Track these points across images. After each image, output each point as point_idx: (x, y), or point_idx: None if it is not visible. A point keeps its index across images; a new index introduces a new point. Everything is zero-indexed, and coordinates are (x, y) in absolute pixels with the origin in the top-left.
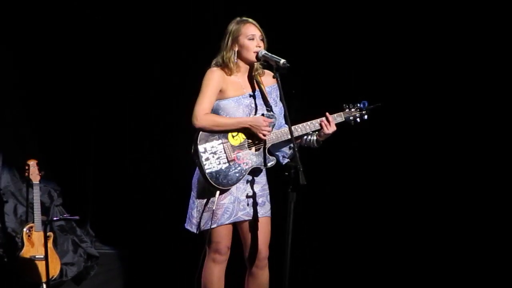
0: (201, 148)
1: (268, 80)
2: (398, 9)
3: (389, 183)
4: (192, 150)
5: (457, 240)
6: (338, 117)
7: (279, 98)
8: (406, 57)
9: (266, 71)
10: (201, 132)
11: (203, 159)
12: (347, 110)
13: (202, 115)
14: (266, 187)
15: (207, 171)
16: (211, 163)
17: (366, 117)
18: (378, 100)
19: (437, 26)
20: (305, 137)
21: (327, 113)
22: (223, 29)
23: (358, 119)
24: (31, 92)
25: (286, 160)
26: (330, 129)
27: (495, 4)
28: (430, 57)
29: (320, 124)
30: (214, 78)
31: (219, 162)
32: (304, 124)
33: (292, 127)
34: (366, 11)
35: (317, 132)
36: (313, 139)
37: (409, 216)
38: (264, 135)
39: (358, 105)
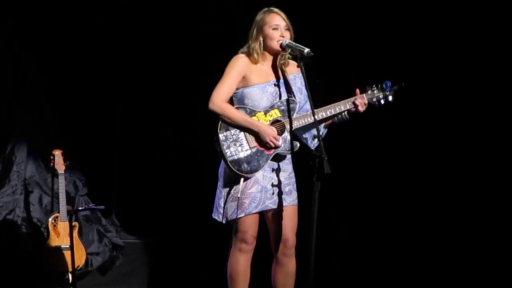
0: (222, 136)
1: (292, 69)
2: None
3: (408, 181)
4: (214, 138)
5: (473, 239)
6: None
7: (304, 86)
8: (411, 57)
9: (290, 61)
10: (220, 120)
11: (224, 147)
12: (369, 91)
13: (218, 100)
14: (293, 175)
15: (229, 159)
16: (232, 151)
17: (390, 98)
18: (401, 79)
19: (449, 24)
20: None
21: (357, 90)
22: (249, 19)
23: (382, 101)
24: (56, 82)
25: (315, 143)
26: (364, 107)
27: (496, 4)
28: (433, 57)
29: (354, 103)
30: (238, 64)
31: (241, 149)
32: (335, 104)
33: (306, 116)
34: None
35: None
36: (344, 114)
37: (424, 214)
38: (270, 146)
39: (381, 85)
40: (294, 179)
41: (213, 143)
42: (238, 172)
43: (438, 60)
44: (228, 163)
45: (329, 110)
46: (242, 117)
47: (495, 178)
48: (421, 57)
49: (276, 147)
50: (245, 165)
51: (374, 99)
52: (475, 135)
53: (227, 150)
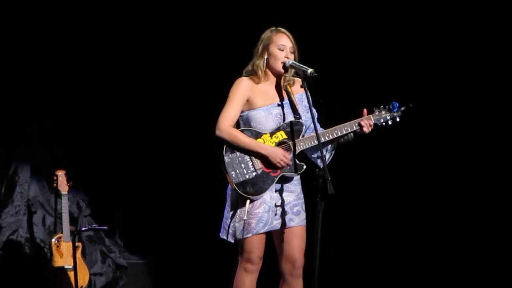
0: (227, 159)
1: (298, 88)
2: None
3: (411, 188)
4: (220, 161)
5: (468, 241)
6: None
7: (310, 105)
8: (415, 63)
9: (296, 79)
10: (225, 144)
11: (229, 169)
12: (377, 112)
13: (225, 126)
14: (301, 195)
15: (235, 181)
16: (238, 173)
17: (398, 119)
18: (408, 100)
19: (449, 29)
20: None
21: (364, 110)
22: (254, 37)
23: (389, 122)
24: (60, 102)
25: (326, 160)
26: (370, 128)
27: (498, 5)
28: (435, 61)
29: (359, 124)
30: (241, 88)
31: (247, 171)
32: (341, 126)
33: (329, 130)
34: (387, 17)
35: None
36: (350, 135)
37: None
38: (281, 165)
39: (388, 107)
40: (303, 200)
41: (218, 165)
42: (243, 194)
43: (443, 64)
44: (234, 185)
45: (336, 131)
46: (251, 142)
47: (494, 180)
48: (425, 73)
49: (287, 165)
50: (251, 187)
51: (382, 120)
52: (473, 137)
53: (232, 173)
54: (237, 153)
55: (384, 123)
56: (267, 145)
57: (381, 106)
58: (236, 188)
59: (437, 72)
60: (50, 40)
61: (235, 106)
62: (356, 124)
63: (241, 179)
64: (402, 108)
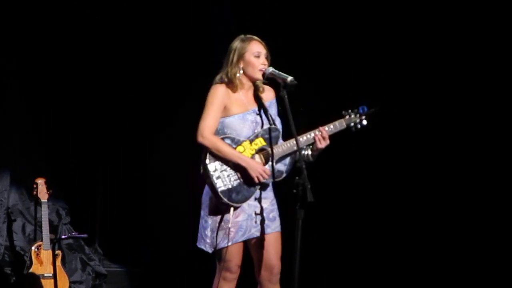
0: (211, 167)
1: (268, 95)
2: (396, 11)
3: (395, 188)
4: (202, 170)
5: (465, 242)
6: (340, 124)
7: (277, 113)
8: (404, 60)
9: (265, 86)
10: (208, 152)
11: (214, 178)
12: (347, 116)
13: (207, 133)
14: (275, 201)
15: (219, 189)
16: (222, 181)
17: (365, 122)
18: (376, 102)
19: (436, 27)
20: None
21: (320, 128)
22: (225, 43)
23: (358, 125)
24: (39, 110)
25: (279, 178)
26: (324, 143)
27: (495, 4)
28: (429, 59)
29: (314, 139)
30: (219, 94)
31: (230, 179)
32: (288, 142)
33: (288, 142)
34: (362, 13)
35: (311, 146)
36: (308, 154)
37: (416, 222)
38: (258, 180)
39: (357, 110)
40: (276, 206)
41: (200, 173)
42: (229, 202)
43: (436, 62)
44: (219, 193)
45: (292, 142)
46: (232, 152)
47: (488, 180)
48: (416, 60)
49: (265, 179)
50: (235, 195)
51: (352, 124)
52: (472, 137)
53: (217, 181)
54: (220, 160)
55: (354, 127)
56: (248, 158)
57: (350, 110)
58: (221, 196)
59: (429, 72)
60: (30, 46)
61: (215, 112)
62: (311, 137)
63: (226, 187)
64: (371, 110)
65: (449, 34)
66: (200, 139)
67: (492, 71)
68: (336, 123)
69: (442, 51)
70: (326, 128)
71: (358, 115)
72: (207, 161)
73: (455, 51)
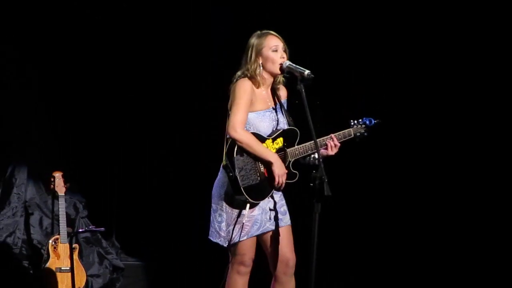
0: (237, 162)
1: (283, 94)
2: (398, 12)
3: (406, 189)
4: (226, 163)
5: (466, 242)
6: (348, 134)
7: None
8: (405, 61)
9: (280, 86)
10: (237, 146)
11: (238, 172)
12: (355, 126)
13: (240, 128)
14: (282, 196)
15: (242, 185)
16: (246, 178)
17: (366, 134)
18: (379, 114)
19: (438, 29)
20: (308, 157)
21: (332, 135)
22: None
23: (363, 136)
24: (57, 104)
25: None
26: (334, 150)
27: (495, 4)
28: (432, 62)
29: (327, 144)
30: (247, 88)
31: (252, 176)
32: (306, 144)
33: (307, 144)
34: (365, 14)
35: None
36: (313, 157)
37: (419, 222)
38: (278, 183)
39: (364, 121)
40: (284, 200)
41: (223, 167)
42: (250, 199)
43: (439, 64)
44: (242, 189)
45: (301, 149)
46: (263, 148)
47: (487, 180)
48: (419, 63)
49: (280, 184)
50: (255, 192)
51: (358, 134)
52: (472, 138)
53: (240, 177)
54: (245, 157)
55: (358, 138)
56: (277, 157)
57: (356, 120)
58: (244, 192)
59: (430, 74)
60: (49, 40)
61: (245, 107)
62: (324, 143)
63: (248, 183)
64: (374, 124)
65: (449, 36)
66: (233, 133)
67: (492, 73)
68: (346, 132)
69: (443, 54)
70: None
71: (364, 126)
72: (235, 155)
73: (455, 53)
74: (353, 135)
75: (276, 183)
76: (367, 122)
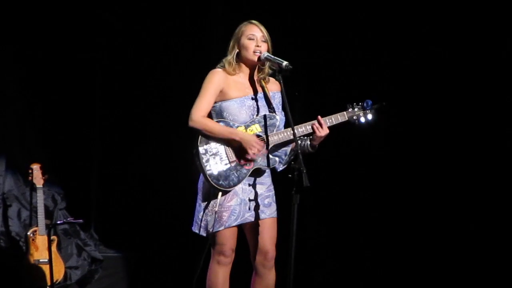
0: (201, 149)
1: (273, 87)
2: (403, 8)
3: (392, 183)
4: (193, 152)
5: (460, 242)
6: (341, 117)
7: (281, 105)
8: (409, 58)
9: (271, 78)
10: (200, 134)
11: (203, 160)
12: (350, 109)
13: (198, 116)
14: (272, 187)
15: (207, 172)
16: (211, 165)
17: (370, 116)
18: (383, 99)
19: (439, 26)
20: (299, 142)
21: (318, 116)
22: (229, 32)
23: (362, 119)
24: (35, 96)
25: (282, 167)
26: (323, 132)
27: (495, 4)
28: (432, 58)
29: (312, 127)
30: (214, 79)
31: (221, 163)
32: (297, 127)
33: (285, 131)
34: (371, 11)
35: (310, 137)
36: (307, 144)
37: (413, 216)
38: (254, 153)
39: (362, 104)
40: (273, 192)
41: (192, 156)
42: (216, 186)
43: (439, 61)
44: (207, 176)
45: (279, 134)
46: (224, 128)
47: (490, 180)
48: (419, 59)
49: (259, 151)
50: (224, 179)
51: (354, 117)
52: (472, 137)
53: (206, 164)
54: (212, 144)
55: (356, 121)
56: (241, 131)
57: (354, 103)
58: (210, 179)
59: (429, 69)
60: (30, 33)
61: (208, 97)
62: (309, 127)
63: (215, 171)
64: (375, 106)
65: (450, 35)
66: (191, 123)
67: (493, 72)
68: (338, 115)
69: (443, 51)
70: (327, 120)
71: (361, 109)
72: (198, 143)
73: (455, 52)
74: (347, 119)
75: (251, 153)
76: (365, 105)
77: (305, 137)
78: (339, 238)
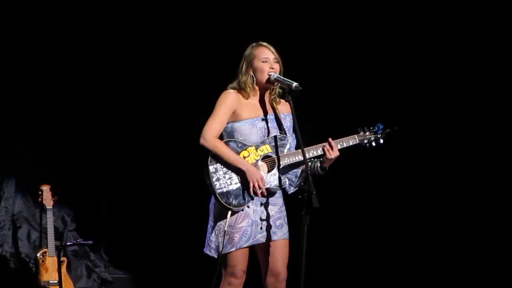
0: (211, 168)
1: (283, 108)
2: (414, 31)
3: (399, 196)
4: (204, 171)
5: (462, 244)
6: (352, 140)
7: (292, 127)
8: (411, 68)
9: (282, 100)
10: (211, 154)
11: (213, 179)
12: (361, 133)
13: (210, 136)
14: (283, 208)
15: (218, 191)
16: (221, 183)
17: (382, 141)
18: (393, 122)
19: (442, 37)
20: (310, 164)
21: (329, 139)
22: (237, 55)
23: (373, 143)
24: (45, 117)
25: (292, 189)
26: (333, 154)
27: (496, 6)
28: (434, 66)
29: (323, 149)
30: (227, 100)
31: (230, 182)
32: (308, 148)
33: (295, 153)
34: (383, 29)
35: (321, 159)
36: (317, 166)
37: (415, 219)
38: (254, 191)
39: (373, 128)
40: (285, 213)
41: (202, 175)
42: (226, 205)
43: (444, 74)
44: (217, 195)
45: (290, 156)
46: (233, 155)
47: (490, 182)
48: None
49: (260, 189)
50: (233, 198)
51: (366, 141)
52: (471, 141)
53: (216, 183)
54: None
55: (368, 144)
56: (247, 163)
57: (365, 127)
58: (219, 198)
59: (432, 78)
60: (38, 52)
61: (221, 117)
62: (320, 149)
63: (224, 190)
64: (387, 130)
65: (450, 39)
66: (202, 141)
67: (494, 75)
68: (349, 138)
69: (445, 57)
70: (339, 144)
71: (373, 133)
72: (209, 162)
73: (456, 56)
74: (357, 142)
75: (252, 188)
76: (375, 129)
77: (315, 159)
78: (348, 257)
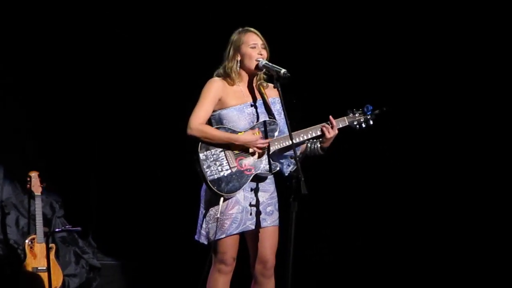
0: (202, 156)
1: (271, 93)
2: (402, 10)
3: (393, 187)
4: (194, 158)
5: (461, 243)
6: (341, 122)
7: (281, 112)
8: (409, 61)
9: (270, 84)
10: (200, 142)
11: (204, 166)
12: (350, 115)
13: (196, 124)
14: (275, 195)
15: (209, 178)
16: (212, 170)
17: (371, 122)
18: (383, 103)
19: (439, 28)
20: (309, 145)
21: (330, 117)
22: (225, 39)
23: (363, 124)
24: (33, 103)
25: (289, 169)
26: (332, 132)
27: (496, 5)
28: (432, 61)
29: (322, 129)
30: (212, 88)
31: (221, 169)
32: (306, 129)
33: (294, 133)
34: (370, 14)
35: (320, 139)
36: (317, 146)
37: (414, 220)
38: (260, 148)
39: (362, 109)
40: (276, 199)
41: (192, 163)
42: (217, 191)
43: (439, 64)
44: (208, 182)
45: (302, 135)
46: (223, 134)
47: (490, 180)
48: (419, 62)
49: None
50: (225, 185)
51: (355, 123)
52: (472, 137)
53: (207, 170)
54: (212, 150)
55: (357, 126)
56: (240, 135)
57: (355, 109)
58: (210, 185)
59: (429, 72)
60: (24, 41)
61: (206, 105)
62: (319, 130)
63: (216, 176)
64: (376, 111)
65: (448, 34)
66: (189, 131)
67: (492, 72)
68: (338, 120)
69: (442, 51)
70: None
71: (362, 115)
72: (199, 149)
73: (455, 52)
74: (347, 124)
75: (252, 150)
76: (365, 110)
77: (315, 140)
78: (338, 244)
